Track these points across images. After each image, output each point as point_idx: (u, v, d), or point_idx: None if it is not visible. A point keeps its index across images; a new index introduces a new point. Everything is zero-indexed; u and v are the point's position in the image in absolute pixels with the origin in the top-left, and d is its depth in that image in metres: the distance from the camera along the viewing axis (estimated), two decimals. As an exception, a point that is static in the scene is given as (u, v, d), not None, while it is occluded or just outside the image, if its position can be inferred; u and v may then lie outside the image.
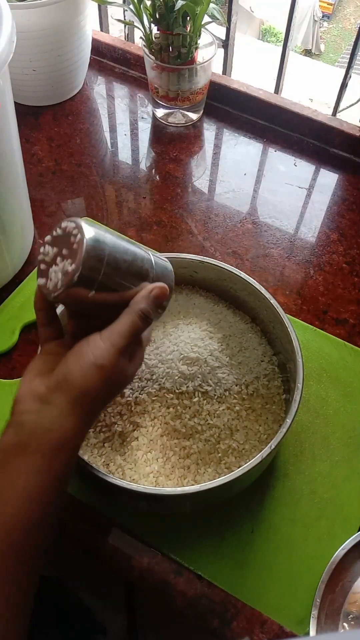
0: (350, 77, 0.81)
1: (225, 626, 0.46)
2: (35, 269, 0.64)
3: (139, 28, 0.74)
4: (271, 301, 0.52)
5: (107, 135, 0.80)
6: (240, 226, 0.71)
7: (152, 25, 0.74)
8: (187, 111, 0.80)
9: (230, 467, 0.48)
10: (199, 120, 0.81)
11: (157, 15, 0.72)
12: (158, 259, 0.43)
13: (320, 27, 5.24)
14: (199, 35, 0.74)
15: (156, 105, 0.80)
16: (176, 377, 0.50)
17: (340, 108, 0.82)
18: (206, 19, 0.73)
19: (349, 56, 0.79)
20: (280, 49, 0.84)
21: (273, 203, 0.73)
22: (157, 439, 0.49)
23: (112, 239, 0.39)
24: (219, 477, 0.45)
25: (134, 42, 0.92)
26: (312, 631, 0.44)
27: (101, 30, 0.93)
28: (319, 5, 5.20)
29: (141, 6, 0.72)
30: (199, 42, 0.74)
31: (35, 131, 0.79)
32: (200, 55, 0.76)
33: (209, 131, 0.81)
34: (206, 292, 0.59)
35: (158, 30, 0.74)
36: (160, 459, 0.48)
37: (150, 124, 0.81)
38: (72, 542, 0.50)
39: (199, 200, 0.73)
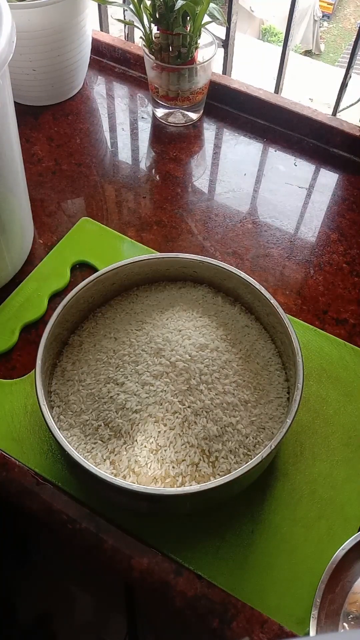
0: (350, 77, 0.81)
1: (225, 626, 0.46)
2: (35, 268, 0.65)
3: (139, 28, 0.74)
4: (271, 301, 0.52)
5: (107, 135, 0.80)
6: (240, 226, 0.71)
7: (152, 25, 0.74)
8: (187, 111, 0.80)
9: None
10: (199, 120, 0.81)
11: (157, 15, 0.72)
12: None
13: (320, 27, 5.24)
14: (199, 35, 0.74)
15: (156, 105, 0.80)
16: (177, 376, 0.50)
17: (340, 108, 0.82)
18: (206, 18, 0.72)
19: (349, 56, 0.79)
20: (280, 49, 0.84)
21: (273, 203, 0.73)
22: (158, 438, 0.49)
23: None
24: (219, 477, 0.45)
25: (134, 42, 0.92)
26: (312, 631, 0.44)
27: (101, 30, 0.93)
28: (319, 5, 5.20)
29: (141, 6, 0.72)
30: (199, 42, 0.74)
31: (35, 131, 0.79)
32: (200, 55, 0.76)
33: (209, 131, 0.81)
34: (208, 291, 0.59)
35: (158, 30, 0.74)
36: (161, 458, 0.48)
37: (150, 123, 0.81)
38: (72, 543, 0.50)
39: (199, 200, 0.73)
